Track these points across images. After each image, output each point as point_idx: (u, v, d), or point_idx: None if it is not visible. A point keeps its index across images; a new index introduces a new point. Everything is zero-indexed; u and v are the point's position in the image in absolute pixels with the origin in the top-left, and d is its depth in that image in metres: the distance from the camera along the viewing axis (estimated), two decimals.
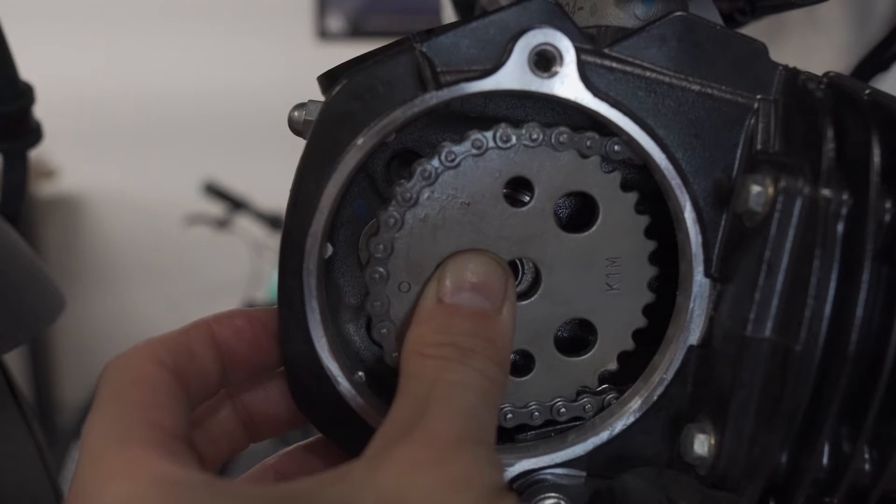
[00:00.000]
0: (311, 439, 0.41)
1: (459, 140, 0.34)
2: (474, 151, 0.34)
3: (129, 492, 0.26)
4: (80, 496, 0.27)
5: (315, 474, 0.27)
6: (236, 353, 0.35)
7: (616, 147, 0.35)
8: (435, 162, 0.34)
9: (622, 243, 0.36)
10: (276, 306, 0.36)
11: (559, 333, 0.38)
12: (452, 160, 0.34)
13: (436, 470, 0.27)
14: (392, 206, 0.34)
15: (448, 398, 0.30)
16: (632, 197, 0.36)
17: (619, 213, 0.36)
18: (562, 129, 0.34)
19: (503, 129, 0.34)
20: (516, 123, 0.34)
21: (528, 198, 0.35)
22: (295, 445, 0.40)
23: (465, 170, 0.34)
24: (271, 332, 0.36)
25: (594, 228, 0.36)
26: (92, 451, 0.28)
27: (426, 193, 0.34)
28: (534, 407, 0.37)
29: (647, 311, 0.37)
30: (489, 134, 0.34)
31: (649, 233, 0.36)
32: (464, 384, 0.30)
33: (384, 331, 0.35)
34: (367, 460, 0.28)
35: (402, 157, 0.38)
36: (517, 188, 0.36)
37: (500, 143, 0.34)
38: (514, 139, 0.34)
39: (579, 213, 0.38)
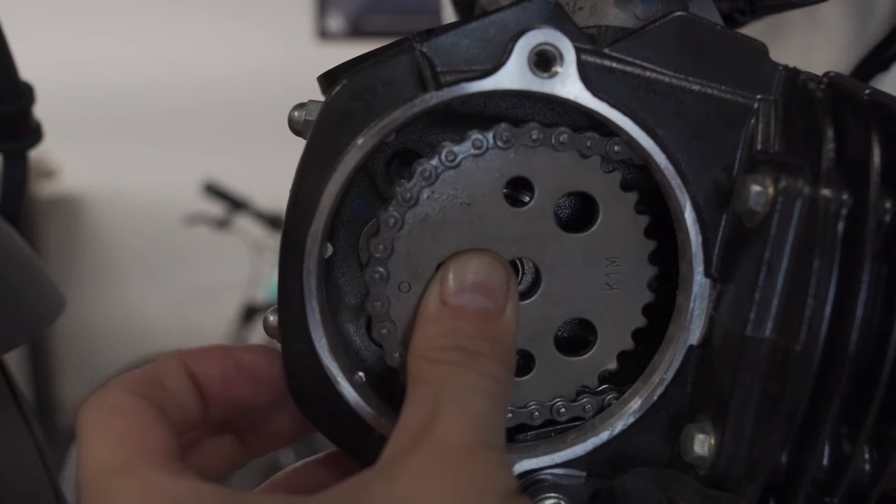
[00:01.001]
0: (320, 455, 0.40)
1: (459, 140, 0.34)
2: (474, 151, 0.34)
3: None
4: None
5: (331, 486, 0.27)
6: (211, 391, 0.35)
7: (616, 147, 0.35)
8: (435, 162, 0.34)
9: (622, 243, 0.36)
10: (263, 332, 0.36)
11: (559, 333, 0.38)
12: (452, 160, 0.34)
13: (451, 479, 0.27)
14: (392, 206, 0.34)
15: (458, 404, 0.30)
16: (632, 197, 0.36)
17: (619, 213, 0.36)
18: (562, 129, 0.34)
19: (503, 129, 0.34)
20: (517, 123, 0.34)
21: (528, 197, 0.35)
22: (304, 461, 0.40)
23: (466, 170, 0.34)
24: (246, 372, 0.36)
25: (594, 228, 0.36)
26: (97, 483, 0.28)
27: (426, 193, 0.34)
28: (534, 407, 0.37)
29: (647, 310, 0.37)
30: (489, 134, 0.34)
31: (649, 233, 0.36)
32: (472, 388, 0.30)
33: (385, 331, 0.35)
34: (382, 470, 0.28)
35: (402, 157, 0.38)
36: (517, 188, 0.36)
37: (500, 144, 0.34)
38: (514, 139, 0.34)
39: (579, 212, 0.38)
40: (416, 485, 0.27)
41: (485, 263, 0.34)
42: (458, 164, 0.34)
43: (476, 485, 0.27)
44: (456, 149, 0.34)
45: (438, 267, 0.35)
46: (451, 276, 0.34)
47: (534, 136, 0.34)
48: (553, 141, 0.34)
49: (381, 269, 0.35)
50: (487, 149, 0.34)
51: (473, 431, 0.29)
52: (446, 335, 0.32)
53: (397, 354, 0.36)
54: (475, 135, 0.34)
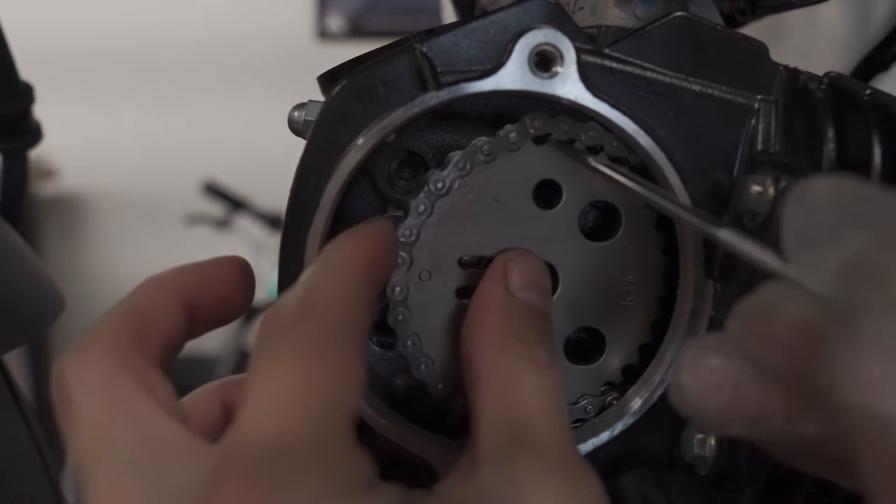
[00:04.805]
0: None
1: (495, 135, 0.34)
2: (510, 147, 0.34)
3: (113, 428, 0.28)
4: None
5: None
6: (201, 312, 0.34)
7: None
8: (470, 154, 0.34)
9: (640, 257, 0.36)
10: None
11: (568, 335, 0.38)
12: (488, 154, 0.34)
13: (574, 490, 0.27)
14: (423, 194, 0.34)
15: (550, 409, 0.29)
16: (654, 212, 0.36)
17: (640, 227, 0.36)
18: (592, 123, 0.34)
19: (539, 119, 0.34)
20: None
21: (556, 200, 0.35)
22: (240, 375, 0.39)
23: (500, 165, 0.34)
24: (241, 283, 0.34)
25: (615, 239, 0.36)
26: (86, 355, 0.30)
27: (458, 185, 0.34)
28: None
29: (653, 325, 0.37)
30: (525, 131, 0.34)
31: (665, 250, 0.36)
32: (555, 391, 0.29)
33: (400, 318, 0.35)
34: (491, 465, 0.27)
35: (402, 157, 0.38)
36: (548, 190, 0.36)
37: (535, 139, 0.34)
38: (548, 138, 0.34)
39: (601, 222, 0.38)
40: (538, 487, 0.26)
41: (536, 264, 0.34)
42: (494, 159, 0.34)
43: (593, 500, 0.27)
44: (492, 143, 0.34)
45: (460, 261, 0.35)
46: (515, 270, 0.33)
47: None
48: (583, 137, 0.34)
49: (404, 254, 0.34)
50: (523, 146, 0.34)
51: (571, 440, 0.28)
52: (520, 327, 0.31)
53: (410, 343, 0.35)
54: (511, 130, 0.34)
